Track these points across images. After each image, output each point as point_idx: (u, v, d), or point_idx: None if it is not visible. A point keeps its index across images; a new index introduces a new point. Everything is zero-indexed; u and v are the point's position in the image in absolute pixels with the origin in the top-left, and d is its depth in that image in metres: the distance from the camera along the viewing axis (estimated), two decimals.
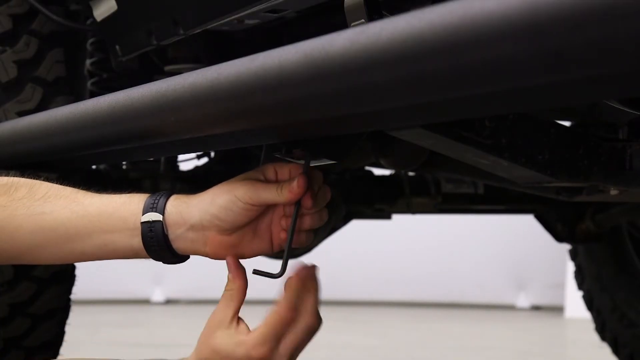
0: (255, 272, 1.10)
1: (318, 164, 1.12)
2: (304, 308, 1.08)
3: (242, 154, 2.20)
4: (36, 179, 1.19)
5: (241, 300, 1.09)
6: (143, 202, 1.13)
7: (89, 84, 2.12)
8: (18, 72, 1.82)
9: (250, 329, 1.08)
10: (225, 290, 1.10)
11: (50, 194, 1.16)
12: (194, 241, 1.12)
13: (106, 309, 5.54)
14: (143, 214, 1.12)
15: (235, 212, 1.09)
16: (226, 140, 1.19)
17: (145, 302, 5.91)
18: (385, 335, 4.54)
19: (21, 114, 1.79)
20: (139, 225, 1.12)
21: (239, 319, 1.08)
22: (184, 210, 1.11)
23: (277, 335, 1.06)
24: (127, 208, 1.13)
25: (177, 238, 1.12)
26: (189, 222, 1.11)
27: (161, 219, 1.11)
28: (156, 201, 1.12)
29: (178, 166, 2.26)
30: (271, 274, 1.09)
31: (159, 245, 1.12)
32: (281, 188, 1.09)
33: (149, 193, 1.15)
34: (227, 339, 1.07)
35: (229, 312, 1.08)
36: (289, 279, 1.08)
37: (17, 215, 1.14)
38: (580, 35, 0.59)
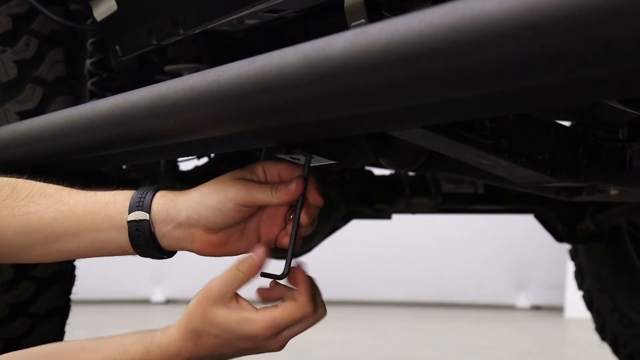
0: (262, 274, 1.10)
1: (318, 164, 1.12)
2: (317, 303, 1.08)
3: (243, 154, 2.20)
4: (19, 178, 1.18)
5: (245, 283, 1.08)
6: (129, 200, 1.12)
7: (89, 84, 2.12)
8: (18, 72, 1.82)
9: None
10: (234, 267, 1.08)
11: (34, 193, 1.15)
12: (181, 239, 1.11)
13: (106, 309, 5.54)
14: (129, 213, 1.11)
15: (225, 212, 1.09)
16: (226, 143, 1.19)
17: (145, 302, 5.91)
18: (385, 335, 4.54)
19: (21, 114, 1.79)
20: (126, 224, 1.11)
21: (238, 295, 1.08)
22: (170, 208, 1.10)
23: (290, 325, 1.06)
24: (112, 207, 1.12)
25: (164, 235, 1.11)
26: (175, 220, 1.10)
27: (148, 218, 1.10)
28: (142, 198, 1.11)
29: (178, 166, 2.26)
30: (276, 275, 1.09)
31: (146, 243, 1.11)
32: (275, 189, 1.09)
33: (134, 190, 1.15)
34: (228, 314, 1.06)
35: (230, 290, 1.07)
36: (303, 276, 1.08)
37: (1, 217, 1.13)
38: (580, 36, 0.59)
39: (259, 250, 1.09)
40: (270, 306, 1.08)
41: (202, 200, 1.09)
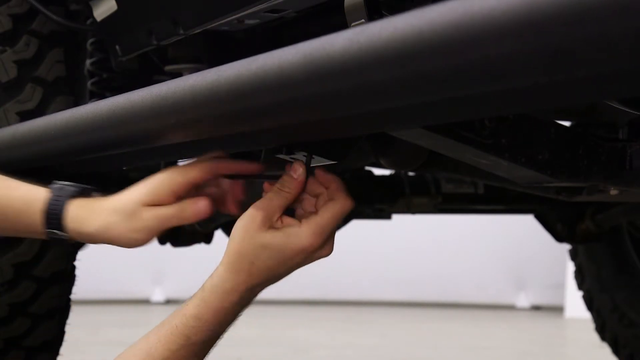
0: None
1: (318, 164, 1.12)
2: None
3: (242, 153, 2.20)
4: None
5: (290, 202, 1.07)
6: (43, 213, 1.14)
7: (89, 84, 2.12)
8: (18, 72, 1.82)
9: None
10: (277, 187, 1.07)
11: None
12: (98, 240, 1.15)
13: (106, 309, 5.54)
14: (47, 228, 1.15)
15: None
16: (227, 143, 1.19)
17: (145, 302, 5.91)
18: (385, 335, 4.53)
19: (21, 114, 1.79)
20: (44, 231, 1.15)
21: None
22: (83, 223, 1.13)
23: (334, 226, 1.07)
24: (27, 217, 1.15)
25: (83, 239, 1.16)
26: (87, 232, 1.13)
27: (64, 236, 1.14)
28: (56, 213, 1.14)
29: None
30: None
31: (65, 244, 1.16)
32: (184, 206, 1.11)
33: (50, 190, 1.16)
34: (275, 234, 1.05)
35: (277, 211, 1.06)
36: (328, 175, 1.07)
37: None
38: (580, 33, 0.59)
39: (297, 167, 1.07)
40: (310, 215, 1.07)
41: (109, 228, 1.12)
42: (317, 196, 1.09)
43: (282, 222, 1.06)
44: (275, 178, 1.09)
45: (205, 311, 1.06)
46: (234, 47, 1.73)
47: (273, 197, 1.06)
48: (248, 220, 1.05)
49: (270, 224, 1.05)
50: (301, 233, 1.05)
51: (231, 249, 1.06)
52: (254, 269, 1.05)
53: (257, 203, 1.06)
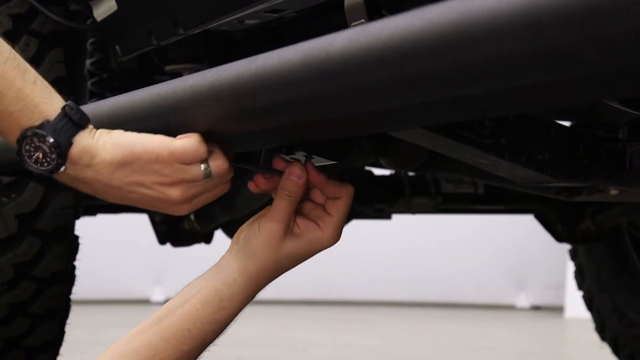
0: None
1: (318, 165, 1.12)
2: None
3: (242, 153, 2.20)
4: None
5: (297, 202, 1.08)
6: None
7: (89, 84, 2.12)
8: None
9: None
10: (280, 193, 1.07)
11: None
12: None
13: (106, 309, 5.54)
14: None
15: None
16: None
17: (145, 302, 5.91)
18: (385, 335, 4.54)
19: None
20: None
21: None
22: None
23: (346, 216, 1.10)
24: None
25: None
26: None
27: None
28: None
29: None
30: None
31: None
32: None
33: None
34: (298, 243, 1.08)
35: (289, 217, 1.07)
36: (320, 174, 1.07)
37: None
38: (580, 33, 0.59)
39: (295, 169, 1.07)
40: (323, 214, 1.09)
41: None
42: (311, 188, 1.10)
43: (298, 226, 1.09)
44: (269, 170, 1.10)
45: (225, 317, 1.09)
46: (234, 47, 1.73)
47: (283, 205, 1.07)
48: (269, 235, 1.07)
49: (290, 232, 1.08)
50: (325, 237, 1.09)
51: (254, 263, 1.08)
52: (275, 275, 1.10)
53: (270, 215, 1.08)
